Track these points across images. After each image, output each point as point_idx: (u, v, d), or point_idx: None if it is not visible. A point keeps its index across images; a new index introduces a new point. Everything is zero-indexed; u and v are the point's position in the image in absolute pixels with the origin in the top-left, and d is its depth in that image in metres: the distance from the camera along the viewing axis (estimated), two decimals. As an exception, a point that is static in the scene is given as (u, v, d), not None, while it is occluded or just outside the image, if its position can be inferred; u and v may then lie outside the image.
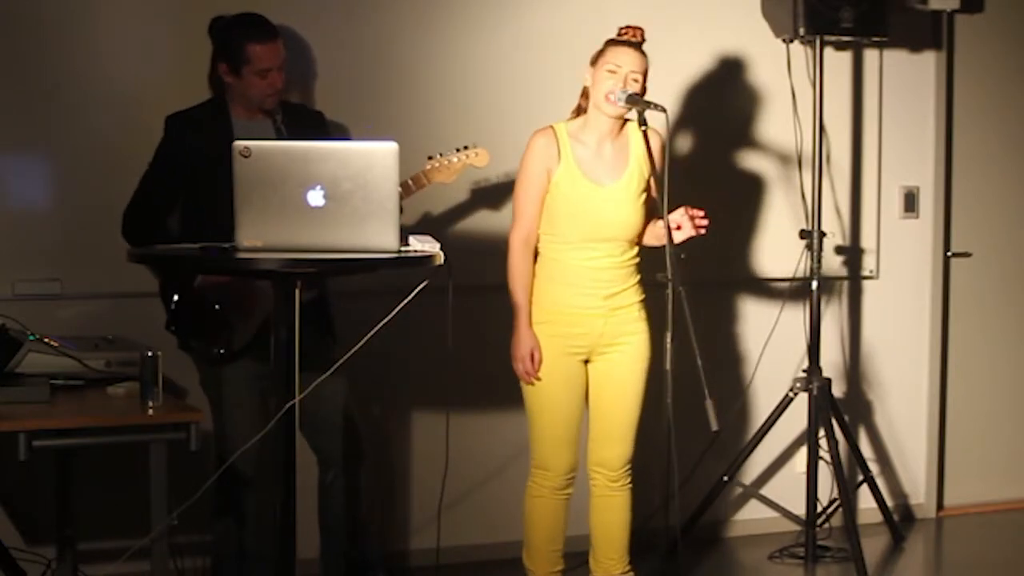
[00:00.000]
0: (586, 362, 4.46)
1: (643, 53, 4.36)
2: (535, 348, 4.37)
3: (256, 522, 4.50)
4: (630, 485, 4.53)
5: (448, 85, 5.21)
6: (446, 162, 4.62)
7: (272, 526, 3.66)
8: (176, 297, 4.38)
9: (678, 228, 4.33)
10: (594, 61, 4.39)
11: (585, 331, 4.39)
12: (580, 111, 4.45)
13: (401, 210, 3.67)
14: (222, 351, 4.41)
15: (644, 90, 4.34)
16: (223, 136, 4.30)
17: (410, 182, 4.54)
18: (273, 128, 4.53)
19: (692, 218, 4.35)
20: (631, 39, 4.37)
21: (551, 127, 4.40)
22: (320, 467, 4.71)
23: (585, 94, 4.42)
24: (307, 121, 4.62)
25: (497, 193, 5.16)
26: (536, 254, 4.43)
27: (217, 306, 4.33)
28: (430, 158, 4.61)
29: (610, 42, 4.39)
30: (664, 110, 4.22)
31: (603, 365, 4.45)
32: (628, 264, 4.43)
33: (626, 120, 4.42)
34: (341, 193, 3.44)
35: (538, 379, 4.38)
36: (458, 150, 4.65)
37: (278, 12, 4.64)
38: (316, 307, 4.55)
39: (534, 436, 4.46)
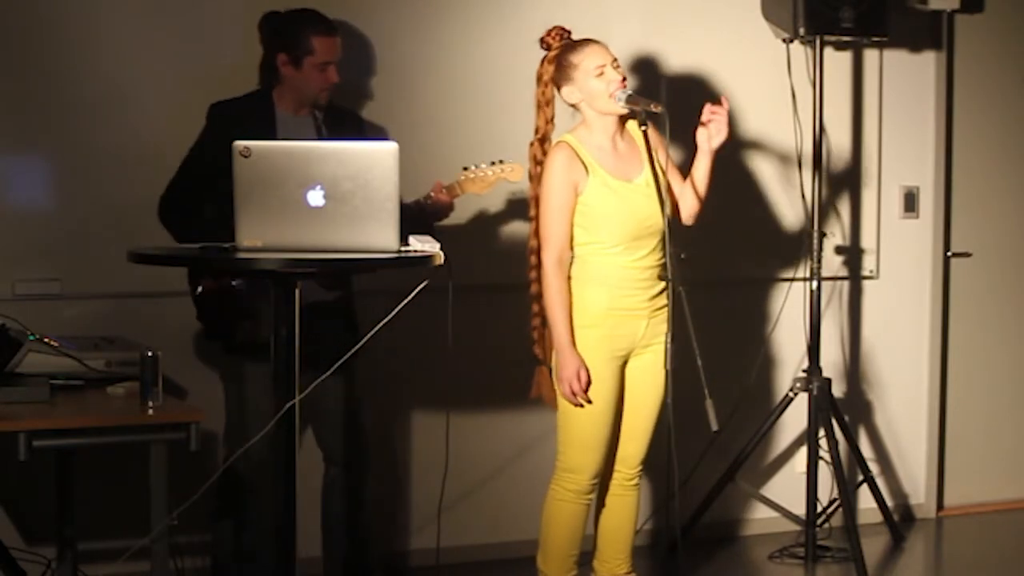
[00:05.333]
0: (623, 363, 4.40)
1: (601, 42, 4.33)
2: (582, 367, 4.24)
3: (257, 522, 4.50)
4: (639, 485, 4.51)
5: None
6: (480, 174, 4.59)
7: (273, 526, 3.66)
8: (199, 289, 4.40)
9: (706, 124, 4.38)
10: (563, 77, 4.29)
11: (629, 332, 4.32)
12: (548, 121, 4.36)
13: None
14: (242, 342, 4.42)
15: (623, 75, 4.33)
16: (266, 130, 4.29)
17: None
18: (314, 126, 4.52)
19: (714, 113, 4.38)
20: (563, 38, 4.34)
21: (564, 141, 4.30)
22: (325, 465, 4.71)
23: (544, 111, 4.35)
24: (345, 121, 4.60)
25: (498, 192, 5.15)
26: (572, 260, 4.32)
27: (240, 298, 4.34)
28: (465, 169, 4.59)
29: (567, 48, 4.31)
30: (662, 110, 4.18)
31: (637, 364, 4.38)
32: (660, 265, 4.36)
33: (623, 117, 4.40)
34: (341, 193, 3.44)
35: (588, 401, 4.26)
36: (493, 163, 4.62)
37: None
38: (340, 305, 4.56)
39: (568, 439, 4.34)
